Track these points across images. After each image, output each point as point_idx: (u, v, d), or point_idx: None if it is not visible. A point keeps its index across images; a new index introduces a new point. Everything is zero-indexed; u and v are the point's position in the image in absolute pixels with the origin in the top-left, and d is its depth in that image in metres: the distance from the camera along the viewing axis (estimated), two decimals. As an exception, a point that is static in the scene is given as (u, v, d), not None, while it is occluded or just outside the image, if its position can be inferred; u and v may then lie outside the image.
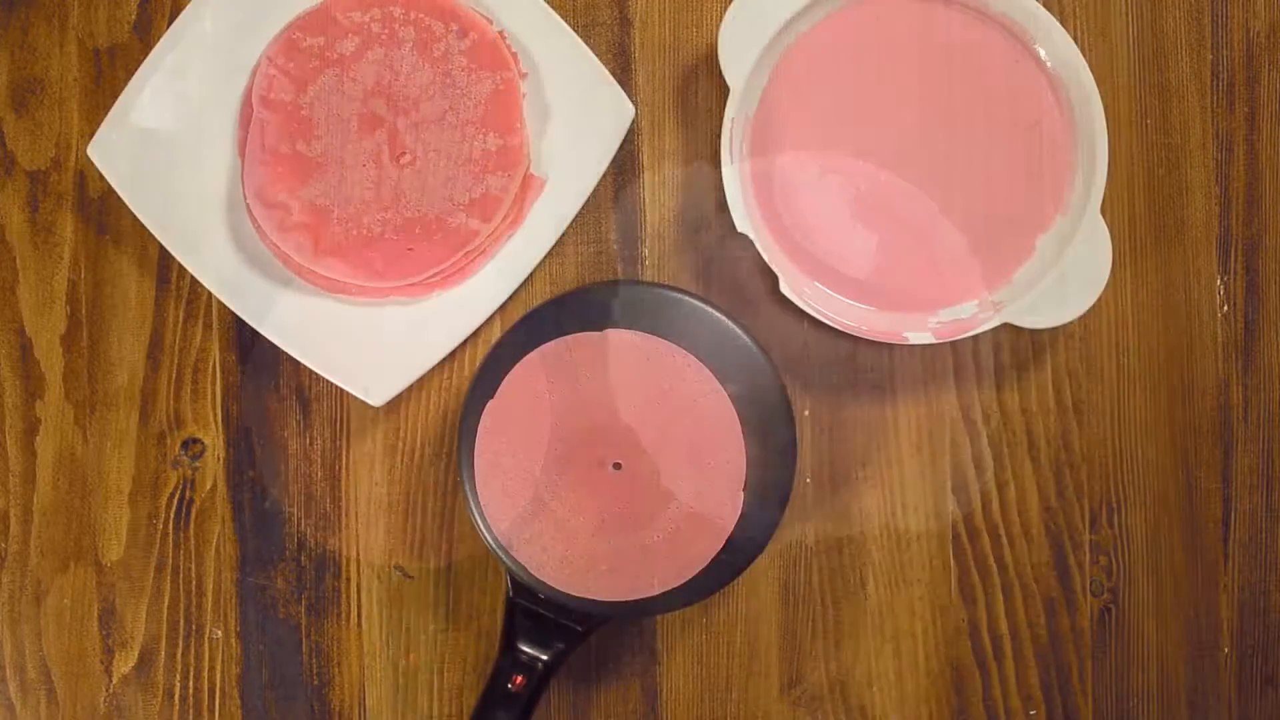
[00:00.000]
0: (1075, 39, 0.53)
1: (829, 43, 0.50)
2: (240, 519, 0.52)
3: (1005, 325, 0.49)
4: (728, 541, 0.46)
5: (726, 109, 0.48)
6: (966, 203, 0.50)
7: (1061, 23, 0.53)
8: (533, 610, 0.47)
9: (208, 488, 0.52)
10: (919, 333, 0.49)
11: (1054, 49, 0.49)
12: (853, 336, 0.50)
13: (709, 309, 0.46)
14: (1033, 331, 0.53)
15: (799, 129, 0.50)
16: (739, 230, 0.48)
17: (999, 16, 0.49)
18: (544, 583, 0.46)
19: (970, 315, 0.50)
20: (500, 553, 0.46)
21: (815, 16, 0.49)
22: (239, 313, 0.49)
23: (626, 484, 0.46)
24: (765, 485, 0.46)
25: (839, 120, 0.50)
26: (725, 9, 0.52)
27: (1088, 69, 0.48)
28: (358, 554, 0.52)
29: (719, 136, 0.48)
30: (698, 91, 0.53)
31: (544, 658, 0.47)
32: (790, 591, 0.53)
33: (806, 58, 0.50)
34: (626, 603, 0.46)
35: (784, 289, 0.48)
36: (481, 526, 0.46)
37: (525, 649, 0.47)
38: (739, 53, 0.48)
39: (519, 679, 0.47)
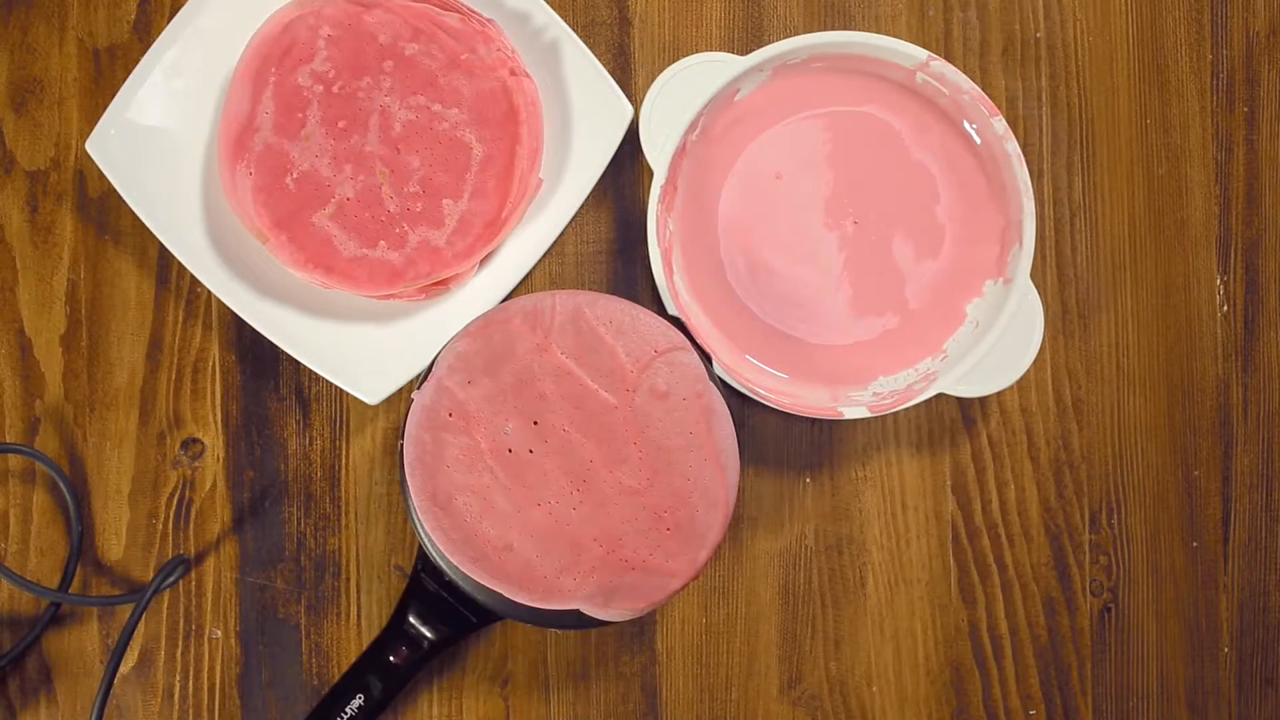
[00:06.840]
0: (1075, 39, 0.53)
1: (754, 119, 0.50)
2: (240, 519, 0.52)
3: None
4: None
5: (650, 194, 0.48)
6: (896, 273, 0.50)
7: (1062, 23, 0.53)
8: (434, 590, 0.47)
9: (208, 488, 0.52)
10: (854, 407, 0.49)
11: (981, 122, 0.49)
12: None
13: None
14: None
15: (727, 206, 0.50)
16: (669, 313, 0.48)
17: (922, 88, 0.49)
18: (457, 568, 0.44)
19: (905, 386, 0.49)
20: (420, 518, 0.44)
21: (742, 91, 0.49)
22: (239, 313, 0.49)
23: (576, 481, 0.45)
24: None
25: (767, 193, 0.50)
26: (725, 10, 0.53)
27: (1013, 140, 0.48)
28: (358, 554, 0.52)
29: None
30: (698, 91, 0.53)
31: (430, 637, 0.48)
32: (790, 591, 0.53)
33: (732, 134, 0.50)
34: (526, 606, 0.43)
35: (717, 369, 0.47)
36: (406, 494, 0.44)
37: (415, 624, 0.48)
38: (661, 138, 0.48)
39: (402, 650, 0.48)
